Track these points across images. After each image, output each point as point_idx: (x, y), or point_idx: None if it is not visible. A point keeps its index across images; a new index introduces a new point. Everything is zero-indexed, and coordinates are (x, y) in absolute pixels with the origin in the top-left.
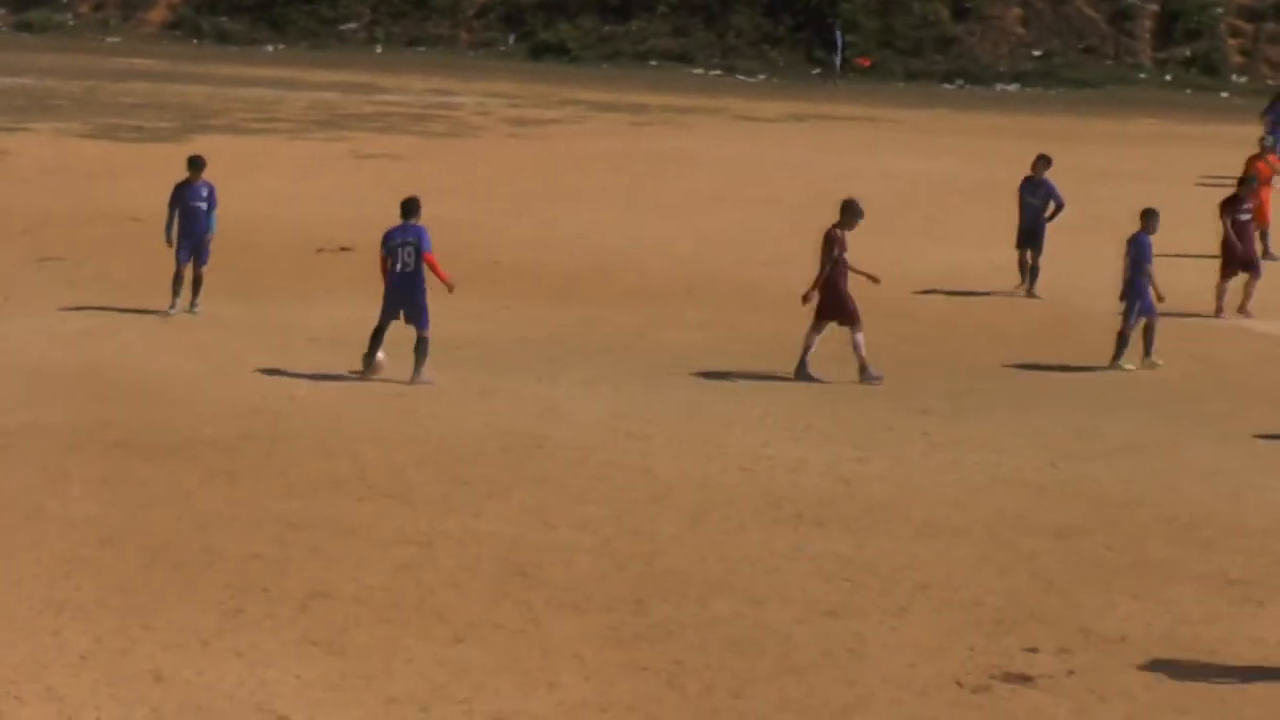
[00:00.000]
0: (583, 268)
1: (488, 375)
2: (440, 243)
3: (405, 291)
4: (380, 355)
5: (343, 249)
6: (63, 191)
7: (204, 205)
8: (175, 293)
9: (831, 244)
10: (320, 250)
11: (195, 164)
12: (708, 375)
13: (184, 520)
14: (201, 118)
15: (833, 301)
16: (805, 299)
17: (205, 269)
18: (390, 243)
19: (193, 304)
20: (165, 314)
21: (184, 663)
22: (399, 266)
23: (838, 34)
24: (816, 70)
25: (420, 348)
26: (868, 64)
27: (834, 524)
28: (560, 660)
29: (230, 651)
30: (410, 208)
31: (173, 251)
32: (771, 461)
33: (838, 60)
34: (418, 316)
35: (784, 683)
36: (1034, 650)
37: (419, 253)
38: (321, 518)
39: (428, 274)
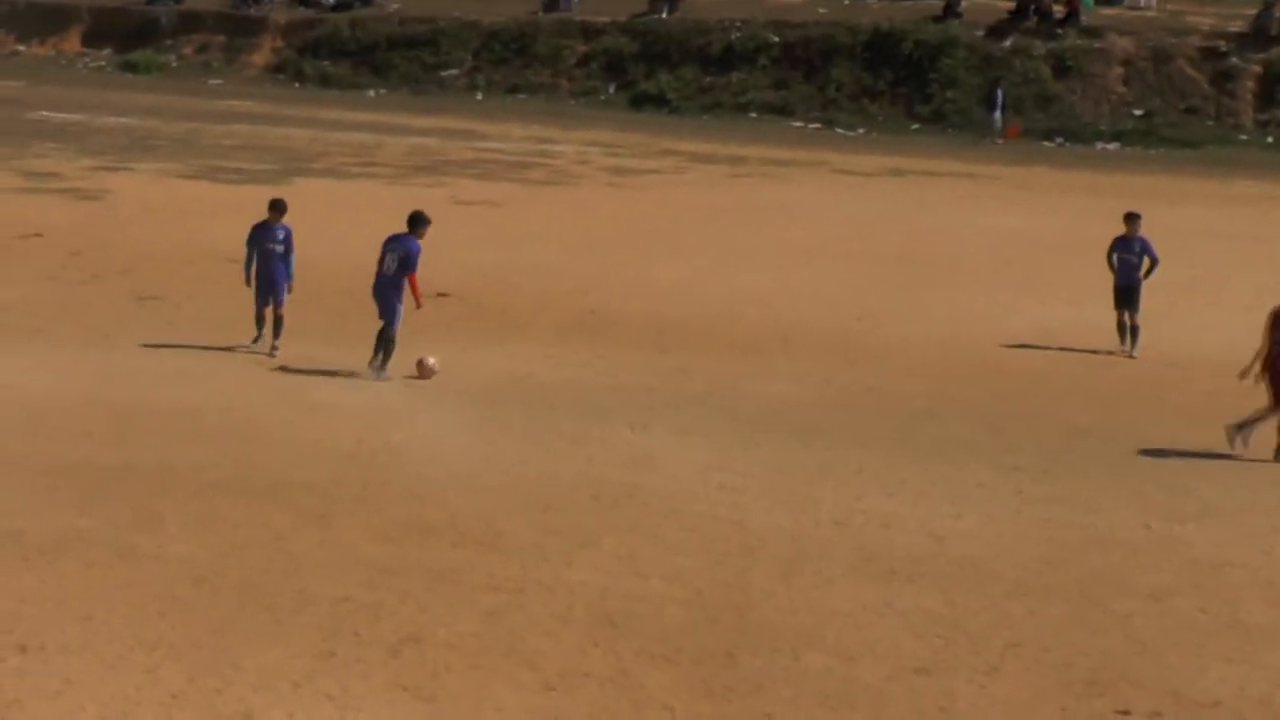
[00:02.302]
0: (678, 318)
1: (581, 423)
2: (536, 287)
3: (381, 291)
4: (430, 360)
5: (440, 294)
6: (162, 231)
7: (280, 248)
8: (259, 327)
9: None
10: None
11: (277, 207)
12: (801, 429)
13: (276, 562)
14: (302, 161)
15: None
16: (1243, 375)
17: (283, 310)
18: (385, 247)
19: (272, 347)
20: (248, 348)
21: (275, 704)
22: (383, 269)
23: (999, 93)
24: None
25: (383, 345)
26: (1015, 134)
27: (925, 580)
28: (650, 711)
29: (321, 694)
30: (414, 221)
31: (252, 292)
32: (864, 516)
33: (998, 119)
34: (389, 315)
35: None
36: (1126, 713)
37: (402, 263)
38: (413, 563)
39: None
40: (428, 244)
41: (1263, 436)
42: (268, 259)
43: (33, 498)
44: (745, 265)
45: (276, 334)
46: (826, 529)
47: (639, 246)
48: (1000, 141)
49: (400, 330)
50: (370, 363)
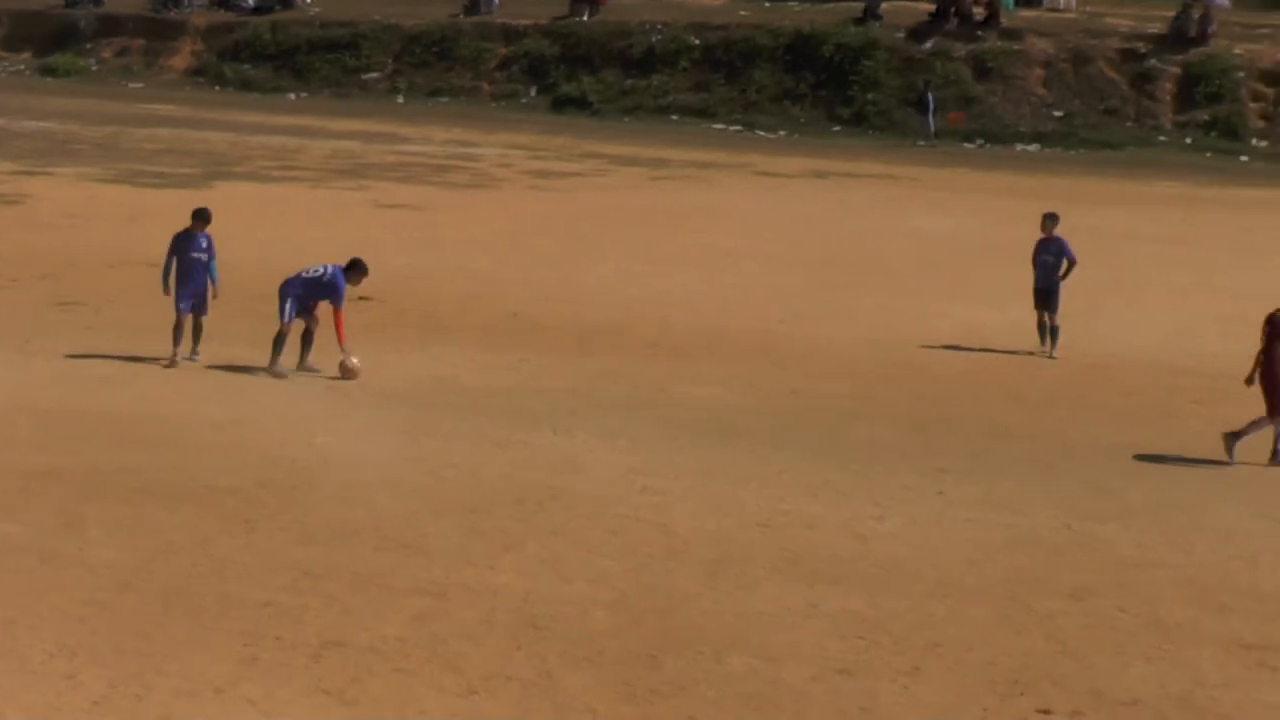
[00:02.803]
0: (602, 321)
1: (505, 427)
2: (459, 291)
3: (289, 292)
4: (353, 360)
5: (361, 298)
6: (83, 236)
7: (204, 256)
8: (175, 342)
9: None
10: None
11: (201, 215)
12: (726, 431)
13: (200, 567)
14: (223, 164)
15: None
16: (1248, 381)
17: (206, 319)
18: (323, 267)
19: (193, 352)
20: (165, 363)
21: (197, 710)
22: (305, 276)
23: (929, 96)
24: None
25: (276, 344)
26: (960, 118)
27: (849, 582)
28: (573, 714)
29: (243, 700)
30: (354, 267)
31: (171, 300)
32: (788, 518)
33: (931, 122)
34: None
35: None
36: (1047, 712)
37: (328, 294)
38: (337, 566)
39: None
40: (354, 246)
41: (1243, 443)
42: (191, 268)
43: None
44: (669, 268)
45: (197, 341)
46: (751, 531)
47: (562, 250)
48: (931, 144)
49: (329, 336)
50: (272, 364)
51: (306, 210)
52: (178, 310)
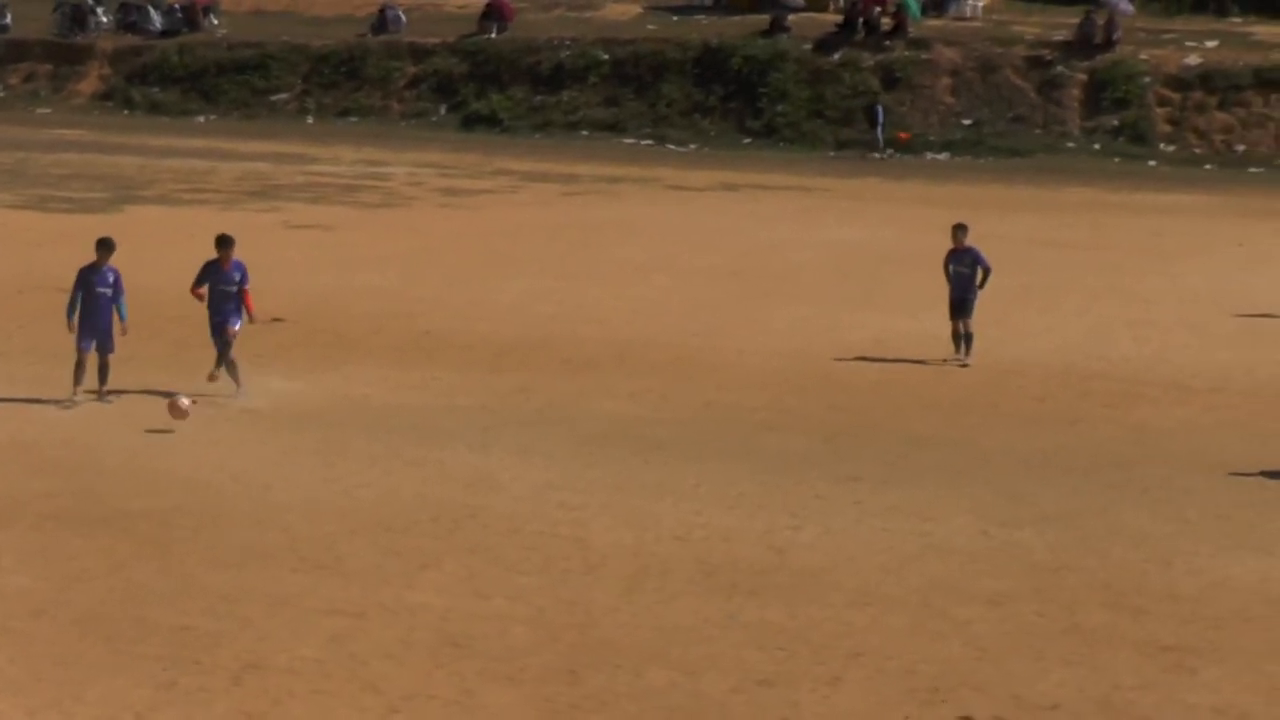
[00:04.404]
0: (515, 337)
1: (419, 445)
2: (371, 310)
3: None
4: (184, 400)
5: (275, 319)
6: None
7: (109, 291)
8: (76, 380)
9: None
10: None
11: (105, 246)
12: (640, 445)
13: (116, 592)
14: (133, 188)
15: None
16: None
17: (111, 357)
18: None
19: (102, 394)
20: (65, 404)
21: None
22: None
23: (878, 109)
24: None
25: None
26: (906, 138)
27: (767, 593)
28: None
29: None
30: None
31: (73, 337)
32: (704, 530)
33: (880, 135)
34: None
35: None
36: (968, 719)
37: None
38: (253, 589)
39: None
40: (266, 267)
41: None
42: (96, 303)
43: None
44: (581, 283)
45: (103, 380)
46: (667, 544)
47: (474, 267)
48: (885, 155)
49: (242, 358)
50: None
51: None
52: (79, 348)
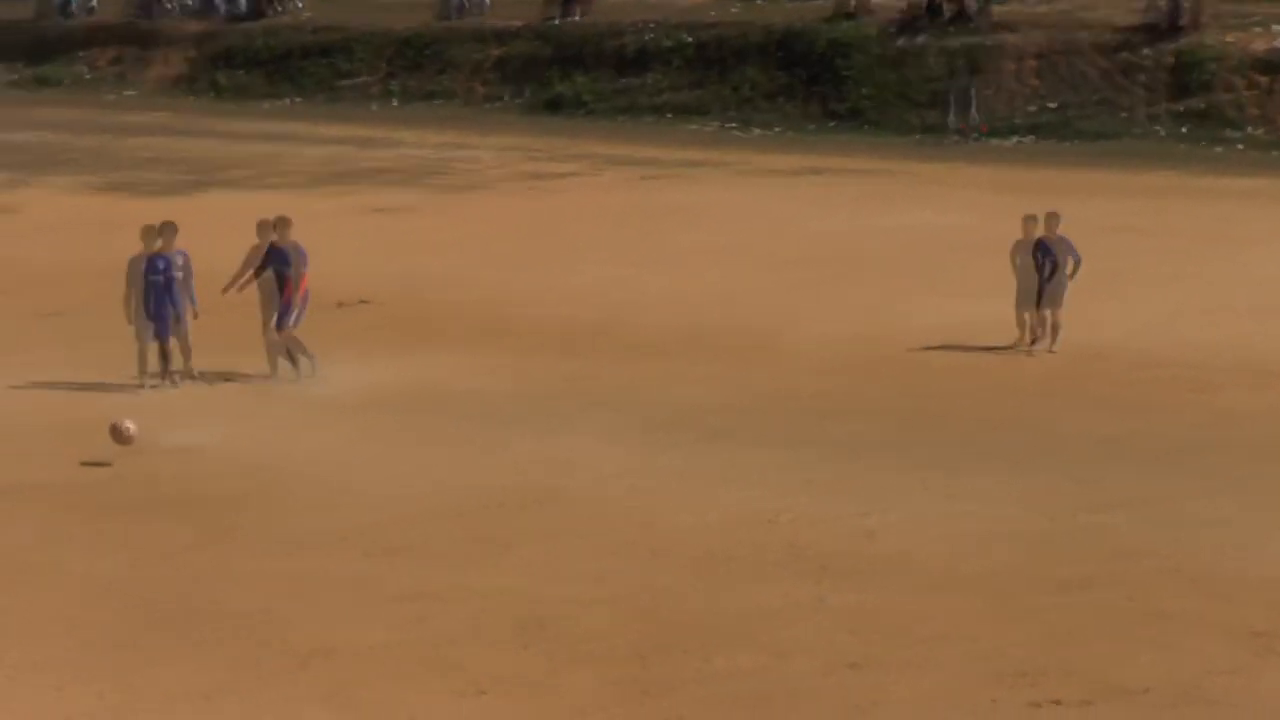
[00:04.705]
0: (590, 322)
1: (494, 429)
2: (451, 294)
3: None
4: (127, 425)
5: (361, 301)
6: (73, 246)
7: (180, 274)
8: (143, 368)
9: None
10: (340, 304)
11: (169, 230)
12: (711, 430)
13: (184, 576)
14: (214, 172)
15: None
16: None
17: (178, 341)
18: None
19: (171, 377)
20: (137, 389)
21: (192, 718)
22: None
23: (970, 93)
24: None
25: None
26: (985, 130)
27: (844, 577)
28: (578, 712)
29: (234, 708)
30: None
31: (138, 324)
32: (777, 516)
33: (971, 118)
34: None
35: None
36: (1057, 702)
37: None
38: (326, 573)
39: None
40: (348, 250)
41: None
42: (161, 289)
43: None
44: (658, 267)
45: (166, 363)
46: (738, 529)
47: (553, 251)
48: (969, 139)
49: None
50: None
51: (299, 216)
52: (145, 334)
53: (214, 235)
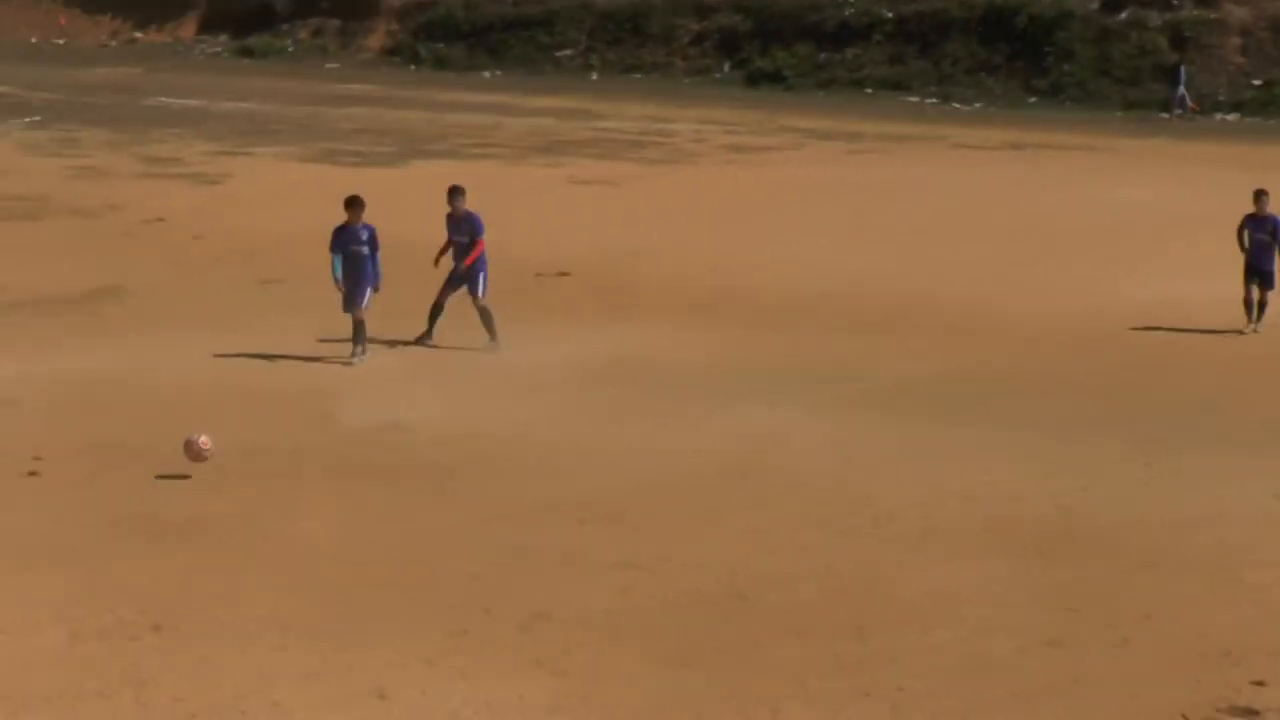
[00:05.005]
0: (799, 295)
1: (705, 401)
2: (655, 267)
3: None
4: (201, 440)
5: (561, 274)
6: (283, 215)
7: (365, 249)
8: (356, 339)
9: None
10: (539, 275)
11: (355, 204)
12: (924, 404)
13: (406, 540)
14: (420, 143)
15: None
16: None
17: (363, 313)
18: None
19: (355, 353)
20: (348, 361)
21: (408, 681)
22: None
23: (1181, 70)
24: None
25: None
26: (1195, 107)
27: (1055, 553)
28: (782, 686)
29: (453, 671)
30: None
31: (340, 298)
32: (991, 490)
33: (1184, 96)
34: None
35: (1008, 712)
36: (1261, 684)
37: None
38: (541, 541)
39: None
40: (551, 222)
41: None
42: (355, 262)
43: (164, 481)
44: (865, 242)
45: (358, 340)
46: (954, 503)
47: (757, 224)
48: (1181, 114)
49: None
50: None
51: (504, 187)
52: (349, 307)
53: (419, 205)
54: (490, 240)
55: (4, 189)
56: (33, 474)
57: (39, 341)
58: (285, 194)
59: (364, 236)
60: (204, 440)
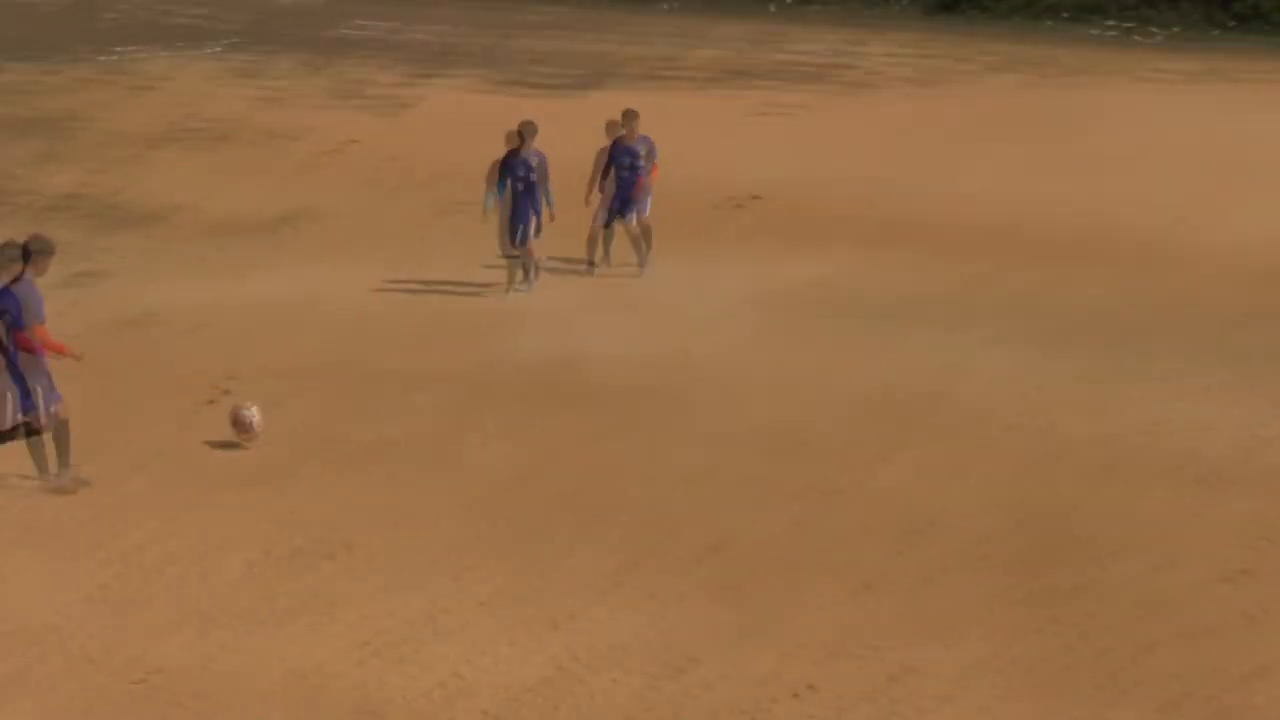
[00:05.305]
0: (984, 224)
1: (888, 330)
2: (841, 195)
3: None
4: (247, 413)
5: (743, 202)
6: (469, 143)
7: (534, 176)
8: (525, 270)
9: None
10: (721, 204)
11: (523, 131)
12: (1110, 334)
13: (593, 465)
14: (605, 70)
15: None
16: None
17: (536, 244)
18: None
19: (523, 280)
20: (510, 291)
21: (586, 608)
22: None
23: None
24: None
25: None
26: None
27: (1243, 485)
28: (963, 615)
29: (637, 595)
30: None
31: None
32: (1177, 422)
33: None
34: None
35: (1185, 647)
36: None
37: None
38: (727, 466)
39: None
40: (738, 150)
41: None
42: (521, 192)
43: (352, 403)
44: (1053, 170)
45: (527, 274)
46: (1138, 435)
47: (944, 152)
48: None
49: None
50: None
51: (691, 115)
52: (506, 241)
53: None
54: (674, 170)
55: (193, 116)
56: (213, 402)
57: (228, 266)
58: (470, 121)
59: (533, 163)
60: (244, 415)
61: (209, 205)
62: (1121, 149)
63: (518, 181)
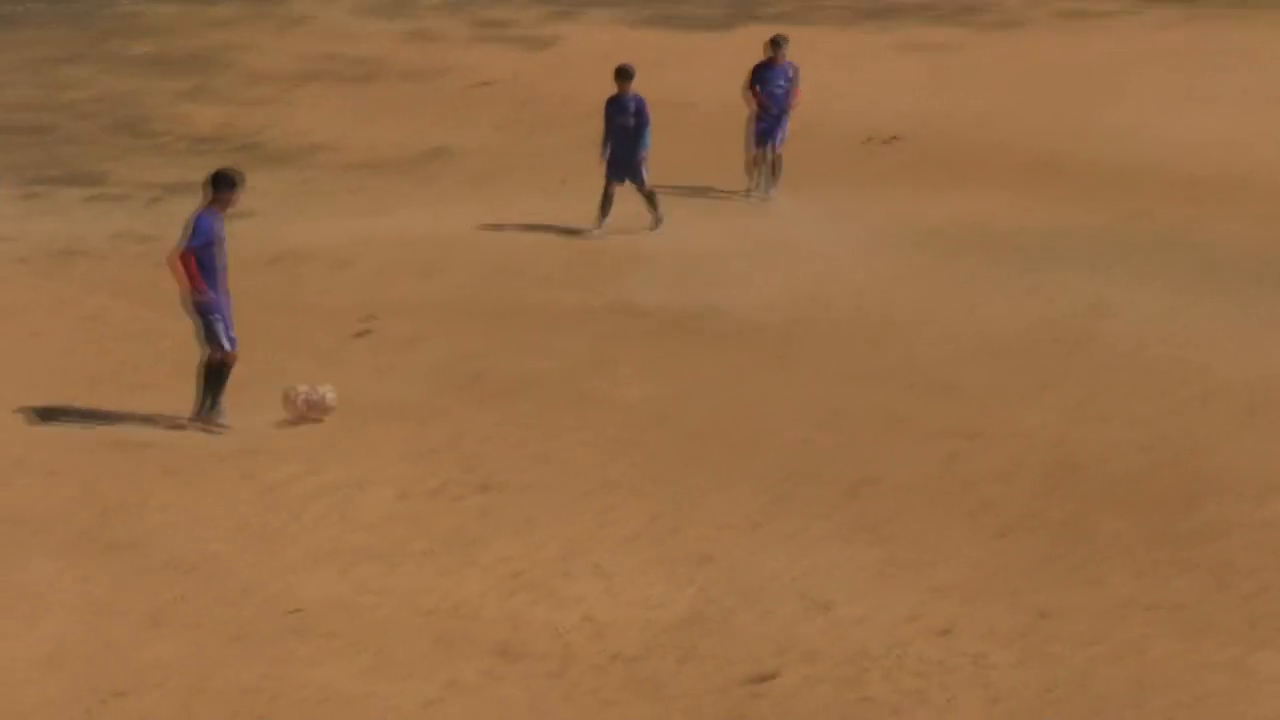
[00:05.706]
0: (1132, 162)
1: (1036, 268)
2: (986, 132)
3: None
4: (321, 393)
5: (890, 139)
6: (610, 82)
7: (632, 122)
8: (603, 213)
9: None
10: (868, 140)
11: (624, 74)
12: (1262, 273)
13: (734, 403)
14: (751, 6)
15: None
16: None
17: (641, 187)
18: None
19: (655, 221)
20: (587, 234)
21: (732, 545)
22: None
23: None
24: None
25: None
26: None
27: None
28: (1107, 556)
29: (778, 535)
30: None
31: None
32: None
33: None
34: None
35: None
36: None
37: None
38: (870, 406)
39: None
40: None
41: None
42: (620, 134)
43: (492, 340)
44: (1202, 108)
45: (655, 207)
46: None
47: (1091, 90)
48: None
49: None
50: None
51: (834, 52)
52: (608, 180)
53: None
54: (816, 107)
55: (337, 52)
56: (360, 335)
57: (373, 203)
58: (614, 58)
59: (631, 109)
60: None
61: (352, 143)
62: (1273, 87)
63: (618, 126)
